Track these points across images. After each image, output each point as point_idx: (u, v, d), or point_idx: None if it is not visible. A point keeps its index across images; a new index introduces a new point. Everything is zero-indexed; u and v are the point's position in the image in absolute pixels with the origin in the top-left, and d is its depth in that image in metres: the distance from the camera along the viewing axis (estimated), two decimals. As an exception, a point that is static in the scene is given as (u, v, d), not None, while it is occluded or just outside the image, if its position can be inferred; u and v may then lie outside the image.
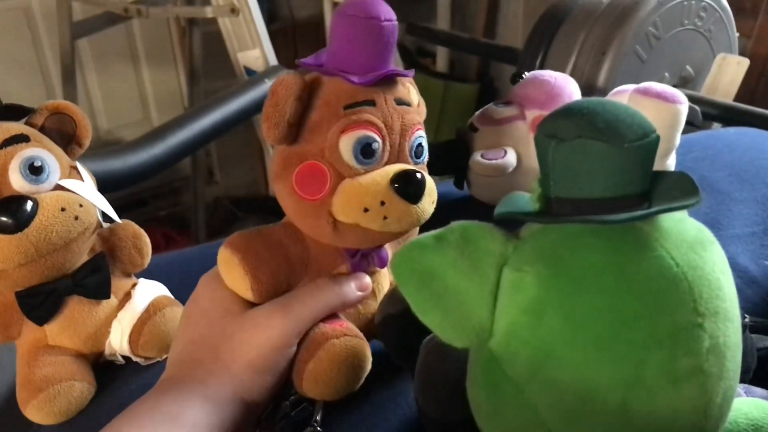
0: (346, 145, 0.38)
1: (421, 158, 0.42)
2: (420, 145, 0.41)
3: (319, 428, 0.42)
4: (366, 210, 0.38)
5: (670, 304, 0.25)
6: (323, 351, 0.40)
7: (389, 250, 0.46)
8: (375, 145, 0.38)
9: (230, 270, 0.40)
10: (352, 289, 0.42)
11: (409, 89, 0.42)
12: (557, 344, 0.26)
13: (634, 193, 0.27)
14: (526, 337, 0.27)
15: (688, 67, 1.07)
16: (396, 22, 0.39)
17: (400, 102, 0.40)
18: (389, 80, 0.40)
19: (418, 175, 0.39)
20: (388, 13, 0.38)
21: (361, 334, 0.42)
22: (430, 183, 0.41)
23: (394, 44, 0.40)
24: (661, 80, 1.04)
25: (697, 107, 0.79)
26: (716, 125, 1.06)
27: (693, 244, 0.27)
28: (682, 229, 0.27)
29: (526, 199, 0.30)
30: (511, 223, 0.29)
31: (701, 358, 0.26)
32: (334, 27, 0.39)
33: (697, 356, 0.26)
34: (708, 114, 0.95)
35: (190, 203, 2.00)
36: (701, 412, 0.26)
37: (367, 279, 0.43)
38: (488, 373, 0.29)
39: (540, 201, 0.29)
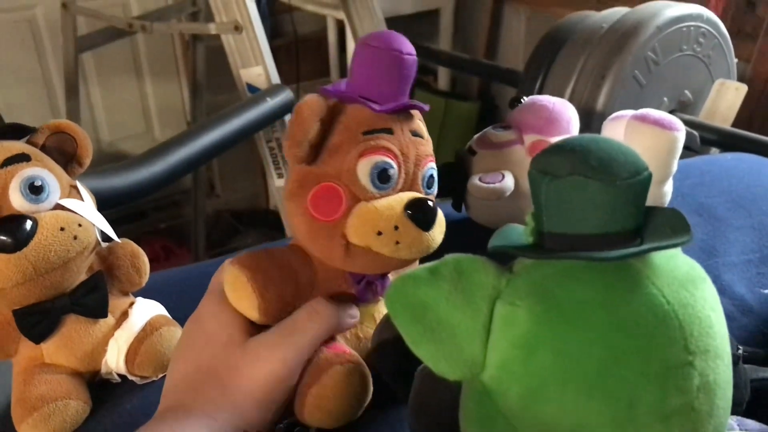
0: (364, 168, 0.39)
1: (432, 189, 0.43)
2: (432, 176, 0.43)
3: None
4: (380, 233, 0.39)
5: (661, 342, 0.25)
6: (327, 377, 0.40)
7: (392, 279, 0.47)
8: (391, 171, 0.39)
9: (238, 288, 0.40)
10: (348, 312, 0.42)
11: (421, 123, 0.44)
12: (548, 379, 0.26)
13: (627, 229, 0.27)
14: (517, 371, 0.27)
15: (686, 92, 1.08)
16: (415, 57, 0.40)
17: (415, 134, 0.42)
18: (405, 112, 0.41)
19: (431, 203, 0.40)
20: (409, 48, 0.40)
21: (362, 362, 0.42)
22: (440, 214, 0.42)
23: (413, 77, 0.41)
24: (659, 105, 1.05)
25: (695, 132, 0.80)
26: (714, 150, 1.06)
27: (684, 281, 0.27)
28: (674, 266, 0.27)
29: (519, 232, 0.30)
30: (504, 256, 0.29)
31: (691, 396, 0.26)
32: (357, 57, 0.40)
33: (688, 394, 0.26)
34: (706, 139, 0.96)
35: (191, 216, 2.00)
36: (691, 449, 0.26)
37: (354, 309, 0.43)
38: (481, 406, 0.29)
39: (533, 235, 0.29)
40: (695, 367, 0.26)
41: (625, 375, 0.25)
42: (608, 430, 0.26)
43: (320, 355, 0.41)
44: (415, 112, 0.43)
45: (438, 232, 0.41)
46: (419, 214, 0.39)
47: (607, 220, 0.27)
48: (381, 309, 0.46)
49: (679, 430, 0.26)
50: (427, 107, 0.43)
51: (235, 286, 0.40)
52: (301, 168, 0.40)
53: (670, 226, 0.27)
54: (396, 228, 0.39)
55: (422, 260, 0.37)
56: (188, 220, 2.10)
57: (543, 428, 0.27)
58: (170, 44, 2.15)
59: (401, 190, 0.41)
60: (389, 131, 0.40)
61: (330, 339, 0.42)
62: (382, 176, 0.39)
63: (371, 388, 0.42)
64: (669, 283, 0.27)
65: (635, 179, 0.26)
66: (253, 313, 0.40)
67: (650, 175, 0.27)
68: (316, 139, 0.39)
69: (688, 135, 0.74)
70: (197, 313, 0.43)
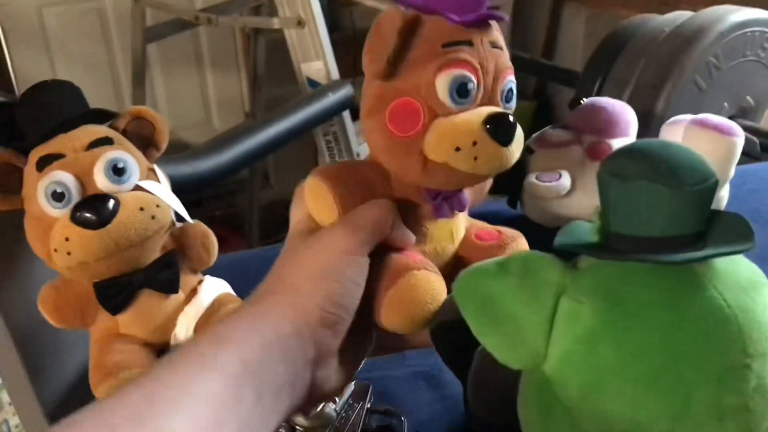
0: (443, 83, 0.38)
1: (511, 103, 0.41)
2: (511, 89, 0.41)
3: None
4: (458, 149, 0.38)
5: (720, 344, 0.26)
6: (404, 280, 0.39)
7: (468, 195, 0.46)
8: (470, 85, 0.38)
9: (318, 197, 0.40)
10: (402, 227, 0.41)
11: (499, 34, 0.42)
12: (609, 374, 0.27)
13: (691, 233, 0.28)
14: (579, 365, 0.28)
15: (748, 97, 1.05)
16: None
17: (494, 45, 0.40)
18: (484, 23, 0.40)
19: (511, 118, 0.39)
20: None
21: (438, 271, 0.42)
22: (519, 128, 0.40)
23: None
24: (719, 110, 1.02)
25: (755, 139, 0.79)
26: (774, 158, 1.04)
27: (746, 286, 0.27)
28: (735, 271, 0.28)
29: (585, 230, 0.31)
30: (570, 252, 0.30)
31: (747, 397, 0.26)
32: None
33: (743, 395, 0.26)
34: (766, 146, 0.94)
35: (246, 205, 2.04)
36: (745, 447, 0.27)
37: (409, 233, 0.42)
38: (541, 395, 0.30)
39: (599, 234, 0.30)
40: (752, 369, 0.26)
41: (683, 373, 0.26)
42: (665, 425, 0.26)
43: (397, 261, 0.40)
44: (494, 23, 0.42)
45: (516, 147, 0.39)
46: (499, 129, 0.38)
47: (673, 224, 0.27)
48: (458, 225, 0.46)
49: (734, 428, 0.26)
50: (506, 16, 0.41)
51: (316, 195, 0.40)
52: (379, 84, 0.40)
53: (734, 231, 0.28)
54: (474, 143, 0.37)
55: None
56: (243, 209, 2.14)
57: (601, 419, 0.28)
58: (231, 37, 2.19)
59: (480, 105, 0.39)
60: (469, 43, 0.38)
61: (407, 252, 0.42)
62: (461, 90, 0.38)
63: (444, 297, 0.41)
64: (730, 287, 0.27)
65: (702, 186, 0.27)
66: (331, 221, 0.40)
67: (716, 182, 0.27)
68: (395, 52, 0.38)
69: (748, 141, 0.73)
70: None
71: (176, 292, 0.54)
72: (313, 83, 1.22)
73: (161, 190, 0.52)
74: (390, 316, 0.39)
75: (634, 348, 0.27)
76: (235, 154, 0.79)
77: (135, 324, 0.53)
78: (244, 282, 0.58)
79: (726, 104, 1.04)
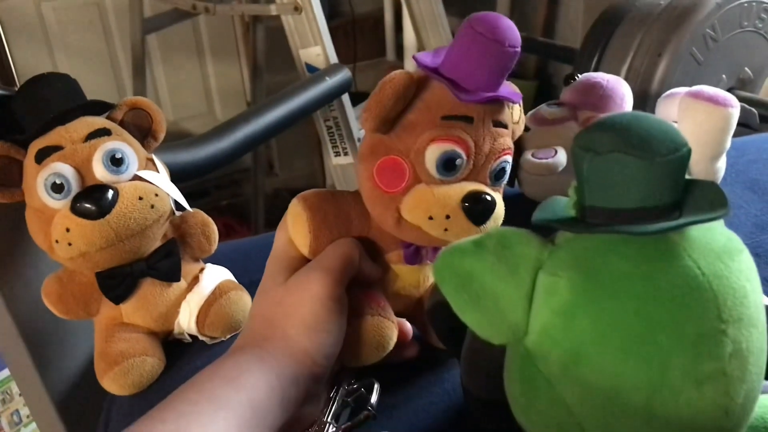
0: (432, 153, 0.39)
1: (500, 181, 0.42)
2: (503, 169, 0.42)
3: (374, 412, 0.44)
4: (431, 218, 0.39)
5: (695, 312, 0.27)
6: (357, 323, 0.42)
7: None
8: (458, 161, 0.39)
9: (296, 223, 0.43)
10: (370, 262, 0.44)
11: (511, 109, 0.43)
12: (587, 345, 0.28)
13: (665, 203, 0.28)
14: (558, 337, 0.29)
15: (746, 68, 1.05)
16: (519, 49, 0.38)
17: (498, 124, 0.40)
18: (495, 101, 0.40)
19: (489, 198, 0.40)
20: (514, 40, 0.38)
21: (394, 318, 0.45)
22: (500, 208, 0.41)
23: (510, 69, 0.39)
24: (718, 83, 1.02)
25: (754, 110, 0.79)
26: (774, 129, 1.04)
27: (720, 253, 0.28)
28: (711, 239, 0.28)
29: (563, 205, 0.32)
30: (548, 228, 0.31)
31: (724, 362, 0.27)
32: (459, 37, 0.38)
33: (720, 360, 0.27)
34: (765, 117, 0.94)
35: (251, 194, 2.05)
36: (723, 411, 0.27)
37: (375, 266, 0.45)
38: (523, 369, 0.31)
39: (575, 208, 0.30)
40: (728, 335, 0.27)
41: (659, 342, 0.27)
42: (643, 392, 0.27)
43: (356, 302, 0.43)
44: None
45: (492, 226, 0.41)
46: (475, 209, 0.39)
47: (647, 195, 0.28)
48: (428, 273, 0.47)
49: (712, 393, 0.27)
50: (519, 98, 0.41)
51: (294, 220, 0.43)
52: (376, 135, 0.41)
53: (708, 199, 0.28)
54: (447, 217, 0.39)
55: None
56: (248, 198, 2.14)
57: (581, 389, 0.28)
58: (230, 26, 2.19)
59: (466, 179, 0.40)
60: (469, 120, 0.39)
61: (370, 290, 0.45)
62: (448, 164, 0.39)
63: (393, 343, 0.44)
64: (705, 254, 0.28)
65: (674, 156, 0.27)
66: (304, 249, 0.43)
67: (689, 152, 0.28)
68: (394, 114, 0.39)
69: (747, 112, 0.73)
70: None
71: (178, 280, 0.55)
72: (312, 69, 1.22)
73: (160, 179, 0.53)
74: (342, 353, 0.42)
75: (610, 319, 0.27)
76: (234, 140, 0.80)
77: (138, 313, 0.54)
78: (245, 269, 0.59)
79: (724, 76, 1.04)
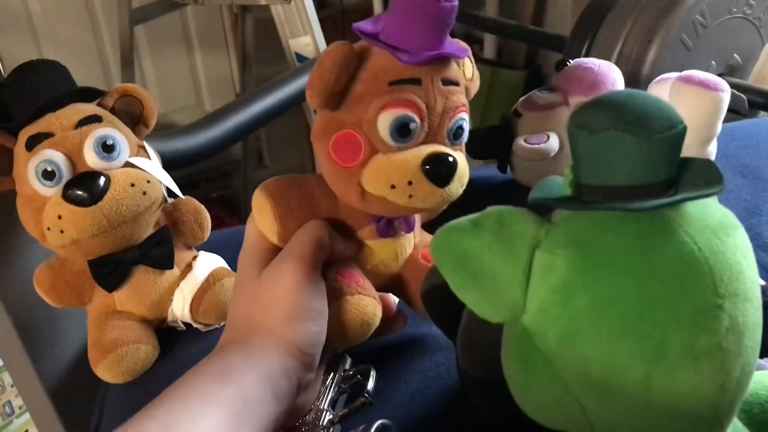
0: (384, 121, 0.38)
1: (459, 140, 0.42)
2: (460, 127, 0.41)
3: (371, 398, 0.44)
4: (393, 186, 0.39)
5: (691, 287, 0.27)
6: (337, 304, 0.42)
7: (417, 216, 0.47)
8: (412, 125, 0.38)
9: (261, 212, 0.42)
10: (341, 239, 0.43)
11: (462, 66, 0.42)
12: (584, 322, 0.28)
13: (661, 180, 0.28)
14: (555, 314, 0.29)
15: (735, 55, 1.05)
16: (455, 3, 0.37)
17: (448, 82, 0.40)
18: (441, 59, 0.39)
19: (450, 159, 0.39)
20: None
21: (375, 294, 0.44)
22: (463, 166, 0.41)
23: (451, 25, 0.39)
24: (707, 69, 1.02)
25: (743, 96, 0.79)
26: (763, 114, 1.04)
27: (716, 229, 0.28)
28: (707, 215, 0.28)
29: (559, 184, 0.31)
30: (544, 207, 0.31)
31: (720, 337, 0.27)
32: (395, 1, 0.38)
33: (716, 335, 0.27)
34: (754, 102, 0.94)
35: (240, 186, 2.04)
36: (719, 386, 0.27)
37: (347, 242, 0.44)
38: (521, 347, 0.31)
39: (572, 187, 0.30)
40: (724, 309, 0.27)
41: (656, 317, 0.27)
42: (640, 368, 0.27)
43: (334, 284, 0.42)
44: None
45: (456, 186, 0.40)
46: (436, 171, 0.39)
47: (642, 172, 0.28)
48: (404, 245, 0.47)
49: (709, 368, 0.27)
50: (464, 53, 0.41)
51: (259, 210, 0.42)
52: (326, 113, 0.40)
53: (703, 176, 0.28)
54: (410, 183, 0.38)
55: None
56: (238, 190, 2.14)
57: (579, 367, 0.28)
58: (219, 17, 2.17)
59: (424, 142, 0.39)
60: (417, 82, 0.38)
61: (347, 269, 0.44)
62: (402, 130, 0.38)
63: (378, 319, 0.44)
64: (701, 231, 0.28)
65: (670, 133, 0.27)
66: (273, 237, 0.42)
67: (684, 128, 0.28)
68: (338, 87, 0.38)
69: (736, 98, 0.74)
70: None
71: (171, 267, 0.54)
72: (301, 59, 1.22)
73: (152, 166, 0.53)
74: (329, 338, 0.41)
75: (607, 295, 0.27)
76: (225, 128, 0.79)
77: (131, 300, 0.53)
78: (238, 256, 0.59)
79: (713, 62, 1.04)
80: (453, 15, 0.38)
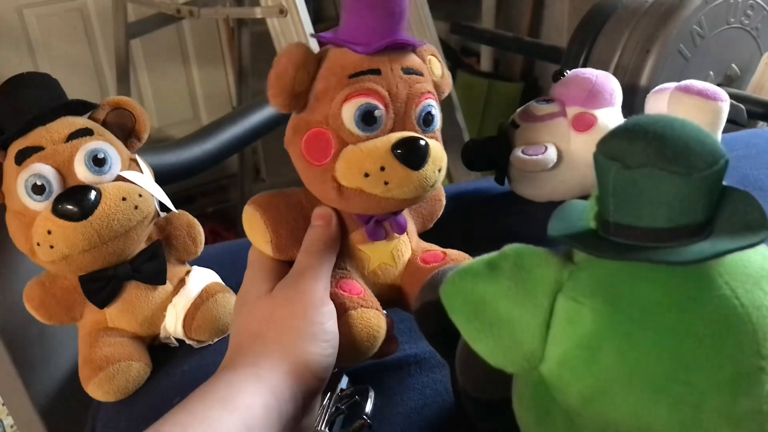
0: (348, 112, 0.38)
1: (431, 126, 0.41)
2: (429, 113, 0.41)
3: (369, 420, 0.42)
4: (366, 175, 0.38)
5: (733, 348, 0.23)
6: (341, 321, 0.40)
7: (407, 217, 0.46)
8: (377, 113, 0.38)
9: (252, 224, 0.42)
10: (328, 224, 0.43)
11: (425, 60, 0.42)
12: (612, 382, 0.25)
13: (699, 221, 0.25)
14: (579, 371, 0.26)
15: (733, 65, 1.04)
16: None
17: (409, 71, 0.40)
18: (398, 50, 0.40)
19: (422, 142, 0.39)
20: None
21: (377, 304, 0.42)
22: (437, 150, 0.40)
23: (402, 14, 0.39)
24: (705, 79, 1.01)
25: (742, 106, 0.78)
26: (762, 124, 1.04)
27: (758, 278, 0.25)
28: (746, 261, 0.25)
29: (580, 213, 0.28)
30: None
31: (761, 401, 0.24)
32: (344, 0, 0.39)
33: (758, 399, 0.24)
34: (753, 113, 0.93)
35: (237, 200, 2.03)
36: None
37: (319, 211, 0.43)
38: (538, 397, 0.28)
39: (596, 220, 0.27)
40: (766, 372, 0.24)
41: (693, 381, 0.23)
42: (673, 432, 0.24)
43: (335, 300, 0.41)
44: (427, 48, 0.42)
45: (432, 169, 0.40)
46: (407, 153, 0.38)
47: (681, 213, 0.24)
48: (401, 247, 0.46)
49: (747, 432, 0.24)
50: (418, 43, 0.41)
51: (250, 223, 0.42)
52: (295, 116, 0.41)
53: (743, 214, 0.25)
54: (382, 168, 0.38)
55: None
56: (235, 204, 2.11)
57: (603, 427, 0.25)
58: (215, 31, 2.16)
59: (392, 130, 0.39)
60: (377, 72, 0.39)
61: (347, 280, 0.43)
62: (367, 118, 0.38)
63: (384, 331, 0.42)
64: (743, 281, 0.24)
65: (713, 169, 0.24)
66: (267, 248, 0.41)
67: (727, 162, 0.24)
68: (299, 87, 0.39)
69: (735, 109, 0.73)
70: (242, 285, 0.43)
71: (163, 283, 0.52)
72: (298, 72, 1.21)
73: (144, 179, 0.51)
74: (337, 357, 0.40)
75: (639, 354, 0.24)
76: (220, 141, 0.78)
77: (123, 317, 0.51)
78: (233, 271, 0.57)
79: (711, 73, 1.03)
80: (402, 4, 0.39)
